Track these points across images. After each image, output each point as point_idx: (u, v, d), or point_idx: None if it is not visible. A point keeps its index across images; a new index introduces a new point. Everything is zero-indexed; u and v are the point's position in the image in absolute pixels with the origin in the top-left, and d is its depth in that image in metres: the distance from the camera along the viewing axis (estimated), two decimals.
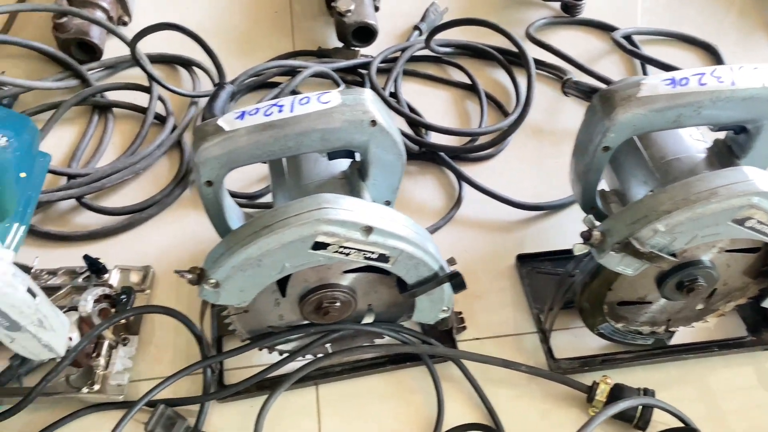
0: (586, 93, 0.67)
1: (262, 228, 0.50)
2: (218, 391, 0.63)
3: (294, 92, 0.85)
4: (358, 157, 0.59)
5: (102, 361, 0.63)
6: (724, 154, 0.62)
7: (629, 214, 0.53)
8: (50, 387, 0.61)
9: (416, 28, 0.96)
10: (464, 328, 0.67)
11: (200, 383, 0.64)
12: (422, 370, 0.66)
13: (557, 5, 1.02)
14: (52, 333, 0.57)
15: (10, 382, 0.65)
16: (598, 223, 0.55)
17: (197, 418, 0.62)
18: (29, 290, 0.55)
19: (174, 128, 0.83)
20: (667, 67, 0.91)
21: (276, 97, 0.84)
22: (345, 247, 0.52)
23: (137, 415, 0.61)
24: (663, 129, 0.58)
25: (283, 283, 0.57)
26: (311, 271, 0.56)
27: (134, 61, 0.78)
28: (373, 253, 0.53)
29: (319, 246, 0.51)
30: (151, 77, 0.81)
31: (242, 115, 0.53)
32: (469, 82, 0.90)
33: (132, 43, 0.74)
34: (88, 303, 0.61)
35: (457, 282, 0.56)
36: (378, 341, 0.66)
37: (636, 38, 0.98)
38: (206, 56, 0.74)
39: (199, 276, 0.53)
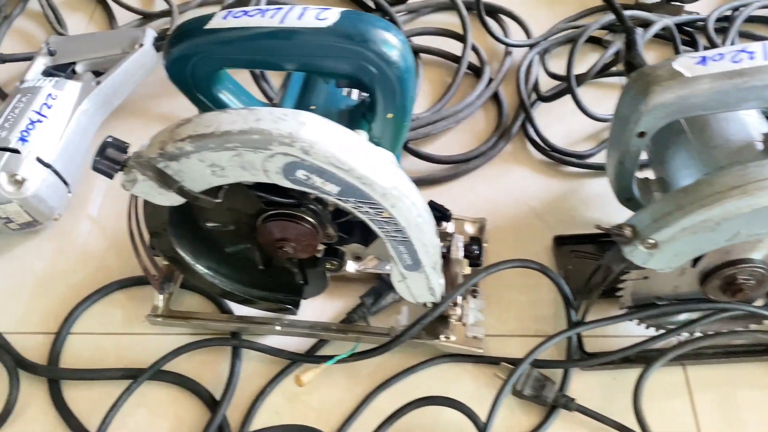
0: None
1: (730, 189, 0.45)
2: (584, 358, 0.59)
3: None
4: None
5: (458, 311, 0.62)
6: None
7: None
8: (411, 330, 0.60)
9: None
10: None
11: (561, 349, 0.61)
12: None
13: None
14: (438, 276, 0.56)
15: (358, 320, 0.65)
16: None
17: (561, 382, 0.59)
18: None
19: (490, 80, 0.80)
20: None
21: (609, 65, 0.76)
22: None
23: (491, 369, 0.60)
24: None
25: (697, 258, 0.52)
26: (732, 248, 0.50)
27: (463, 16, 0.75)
28: None
29: None
30: (483, 24, 0.79)
31: (703, 60, 0.47)
32: None
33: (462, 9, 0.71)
34: (460, 249, 0.59)
35: None
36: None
37: None
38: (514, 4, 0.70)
39: (632, 235, 0.49)
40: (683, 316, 0.57)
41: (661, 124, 0.50)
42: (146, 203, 0.53)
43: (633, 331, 0.59)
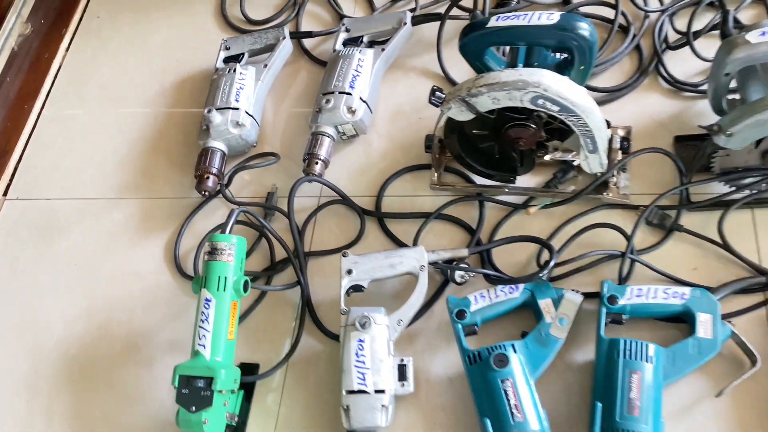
0: None
1: None
2: (690, 204, 1.02)
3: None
4: None
5: (614, 178, 1.06)
6: None
7: None
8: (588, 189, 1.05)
9: None
10: None
11: (672, 200, 1.04)
12: None
13: None
14: (605, 157, 1.00)
15: (551, 186, 1.11)
16: None
17: (675, 217, 1.03)
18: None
19: (634, 35, 1.20)
20: None
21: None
22: None
23: (632, 212, 1.04)
24: None
25: (758, 141, 0.92)
26: None
27: None
28: None
29: None
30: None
31: (763, 33, 0.87)
32: None
33: None
34: (617, 143, 1.03)
35: None
36: None
37: None
38: None
39: (718, 129, 0.91)
40: (750, 180, 0.98)
41: (738, 68, 0.90)
42: (448, 119, 1.01)
43: (717, 190, 1.01)
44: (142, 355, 1.12)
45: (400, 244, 1.12)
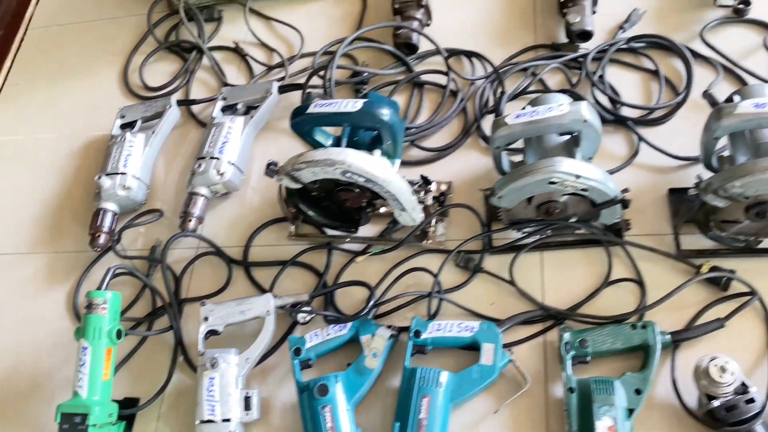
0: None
1: (526, 172, 1.05)
2: (490, 248, 1.22)
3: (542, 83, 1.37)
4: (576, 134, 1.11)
5: (432, 228, 1.26)
6: None
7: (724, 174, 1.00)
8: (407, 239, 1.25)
9: (621, 27, 1.38)
10: (629, 228, 1.17)
11: (480, 244, 1.24)
12: (599, 251, 1.19)
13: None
14: (417, 212, 1.20)
15: (386, 235, 1.31)
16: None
17: (479, 260, 1.22)
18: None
19: (462, 99, 1.40)
20: None
21: (528, 86, 1.36)
22: (565, 184, 1.05)
23: (443, 255, 1.24)
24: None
25: (530, 197, 1.12)
26: (546, 193, 1.10)
27: (444, 61, 1.34)
28: (578, 187, 1.06)
29: (552, 183, 1.05)
30: (448, 68, 1.38)
31: (518, 116, 1.07)
32: (654, 68, 1.33)
33: (444, 55, 1.31)
34: (430, 198, 1.23)
35: (625, 203, 1.07)
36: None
37: None
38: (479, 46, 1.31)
39: (491, 192, 1.10)
40: (530, 229, 1.19)
41: (505, 143, 1.10)
42: (287, 187, 1.20)
43: (511, 236, 1.21)
44: (45, 393, 1.30)
45: (262, 290, 1.31)
